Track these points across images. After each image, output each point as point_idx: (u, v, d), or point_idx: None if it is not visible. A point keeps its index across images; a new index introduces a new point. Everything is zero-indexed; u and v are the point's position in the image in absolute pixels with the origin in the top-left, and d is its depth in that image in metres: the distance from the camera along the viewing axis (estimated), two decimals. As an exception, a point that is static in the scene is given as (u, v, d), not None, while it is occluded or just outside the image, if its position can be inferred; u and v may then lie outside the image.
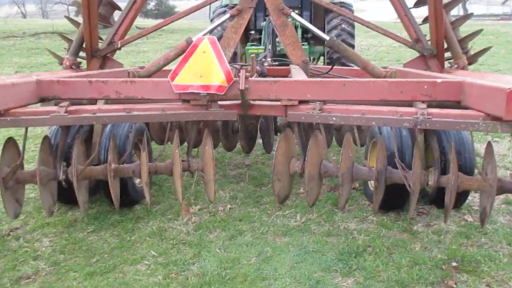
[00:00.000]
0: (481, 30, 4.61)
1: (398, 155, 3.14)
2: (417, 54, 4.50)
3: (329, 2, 6.09)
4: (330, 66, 4.95)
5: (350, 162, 3.13)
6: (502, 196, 3.94)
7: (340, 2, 7.95)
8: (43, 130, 6.21)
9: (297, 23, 6.14)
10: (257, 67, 4.34)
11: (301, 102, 3.12)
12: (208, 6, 7.01)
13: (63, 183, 3.30)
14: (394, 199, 3.59)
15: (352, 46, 7.23)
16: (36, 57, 14.19)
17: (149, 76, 4.35)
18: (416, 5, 4.61)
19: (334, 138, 4.78)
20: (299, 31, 7.14)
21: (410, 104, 3.07)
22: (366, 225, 3.67)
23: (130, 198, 3.89)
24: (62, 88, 3.27)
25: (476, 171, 3.42)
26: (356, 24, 7.59)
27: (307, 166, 3.13)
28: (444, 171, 3.25)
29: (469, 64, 4.39)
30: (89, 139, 3.64)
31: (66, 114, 3.03)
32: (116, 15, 4.92)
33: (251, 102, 3.27)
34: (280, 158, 3.28)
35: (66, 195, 3.61)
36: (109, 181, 3.21)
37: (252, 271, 3.04)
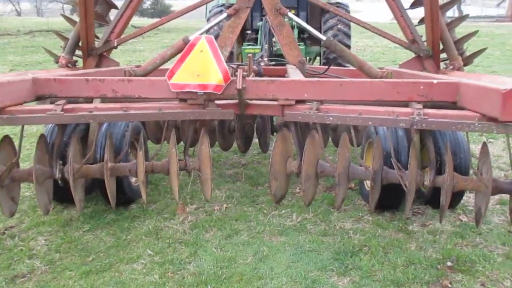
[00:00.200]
0: (476, 32, 4.63)
1: (394, 155, 3.16)
2: (413, 55, 4.52)
3: (325, 2, 6.10)
4: (326, 66, 4.96)
5: (346, 162, 3.14)
6: (496, 197, 3.97)
7: (337, 3, 7.97)
8: (38, 129, 6.19)
9: (293, 23, 6.14)
10: (254, 67, 4.34)
11: (298, 102, 3.13)
12: (204, 6, 6.99)
13: (59, 182, 3.28)
14: (389, 199, 3.61)
15: (348, 47, 7.24)
16: (31, 55, 14.11)
17: (145, 75, 4.34)
18: (412, 6, 4.62)
19: (330, 138, 4.79)
20: (296, 31, 7.14)
21: (406, 104, 3.09)
22: (361, 224, 3.69)
23: (126, 197, 3.89)
24: (58, 86, 3.26)
25: (471, 171, 3.44)
26: (352, 24, 7.62)
27: (304, 165, 3.14)
28: (439, 171, 3.27)
29: (465, 65, 4.41)
30: (85, 137, 3.63)
31: (62, 112, 3.02)
32: (112, 14, 4.91)
33: (248, 101, 3.27)
34: (277, 158, 3.29)
35: (61, 194, 3.60)
36: (106, 179, 3.20)
37: (248, 270, 3.05)
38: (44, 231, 3.61)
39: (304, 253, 3.26)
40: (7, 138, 3.19)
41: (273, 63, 5.10)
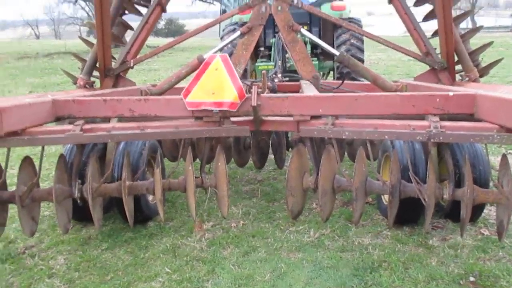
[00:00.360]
0: (491, 43, 4.60)
1: (411, 169, 3.13)
2: (427, 68, 4.50)
3: (337, 18, 6.14)
4: (340, 81, 4.98)
5: (363, 176, 3.12)
6: (518, 209, 3.87)
7: (349, 18, 8.03)
8: (57, 149, 6.29)
9: (306, 39, 6.20)
10: (268, 83, 4.38)
11: (313, 117, 3.13)
12: (218, 24, 7.11)
13: (78, 201, 3.33)
14: (408, 213, 3.56)
15: (362, 61, 7.26)
16: (49, 77, 14.46)
17: (161, 93, 4.42)
18: (426, 19, 4.63)
19: (346, 153, 4.77)
20: (309, 46, 7.20)
21: (422, 117, 3.07)
22: (380, 240, 3.64)
23: (143, 215, 3.91)
24: (77, 107, 3.33)
25: (491, 184, 3.38)
26: (364, 38, 7.65)
27: (320, 180, 3.13)
28: (458, 184, 3.22)
29: (481, 76, 4.38)
30: (102, 156, 3.68)
31: (81, 132, 3.08)
32: (128, 35, 5.02)
33: (263, 118, 3.29)
34: (293, 173, 3.29)
35: (80, 213, 3.64)
36: (124, 198, 3.23)
37: (266, 288, 3.02)
38: (63, 250, 3.64)
39: (322, 270, 3.22)
40: (28, 159, 3.25)
41: (287, 79, 5.13)
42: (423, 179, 3.10)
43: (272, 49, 6.83)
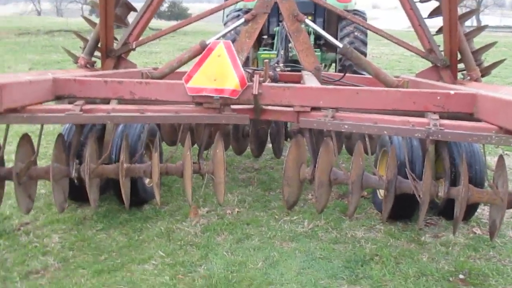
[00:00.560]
0: (495, 43, 4.59)
1: (408, 165, 3.14)
2: (430, 64, 4.49)
3: (342, 9, 6.10)
4: (342, 74, 4.96)
5: (360, 170, 3.13)
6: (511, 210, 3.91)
7: (354, 10, 7.97)
8: (55, 127, 6.28)
9: (310, 29, 6.15)
10: (270, 73, 4.36)
11: (313, 108, 3.13)
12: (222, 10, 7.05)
13: (75, 181, 3.34)
14: (402, 208, 3.58)
15: (365, 54, 7.22)
16: (50, 55, 14.35)
17: (162, 77, 4.39)
18: (431, 15, 4.61)
19: (344, 146, 4.78)
20: (312, 37, 7.15)
21: (421, 114, 3.07)
22: (373, 233, 3.67)
23: (139, 197, 3.93)
24: (78, 86, 3.32)
25: (486, 183, 3.41)
26: (368, 32, 7.60)
27: (317, 172, 3.14)
28: (454, 182, 3.24)
29: (482, 76, 4.37)
30: (101, 138, 3.68)
31: (81, 112, 3.07)
32: (131, 16, 4.98)
33: (264, 107, 3.29)
34: (291, 164, 3.30)
35: (76, 193, 3.65)
36: (121, 180, 3.24)
37: (258, 275, 3.05)
38: (58, 228, 3.66)
39: (314, 260, 3.25)
40: (26, 136, 3.25)
41: (289, 69, 5.12)
42: (419, 176, 3.12)
43: (275, 38, 6.79)
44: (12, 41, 17.34)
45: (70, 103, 3.27)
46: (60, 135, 3.37)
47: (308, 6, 7.42)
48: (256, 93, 3.07)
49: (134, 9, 4.94)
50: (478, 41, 4.47)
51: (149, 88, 3.26)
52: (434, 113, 2.97)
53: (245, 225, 3.77)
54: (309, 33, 6.40)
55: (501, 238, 3.60)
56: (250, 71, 4.19)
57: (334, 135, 3.18)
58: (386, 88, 3.47)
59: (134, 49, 4.70)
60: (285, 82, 4.36)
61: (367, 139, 3.20)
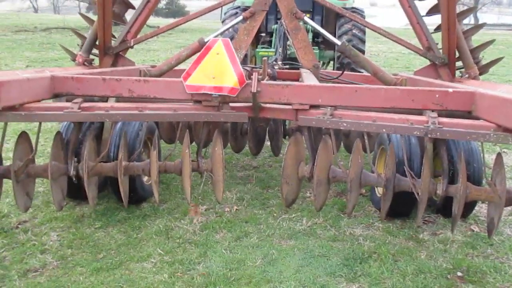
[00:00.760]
0: (493, 41, 4.60)
1: (406, 163, 3.15)
2: (428, 62, 4.50)
3: (341, 7, 6.10)
4: (340, 71, 4.96)
5: (359, 168, 3.14)
6: (509, 208, 3.93)
7: (352, 8, 7.97)
8: (52, 125, 6.27)
9: (308, 27, 6.15)
10: (269, 70, 4.36)
11: (312, 106, 3.13)
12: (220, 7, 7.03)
13: (74, 179, 3.33)
14: (401, 206, 3.59)
15: (363, 52, 7.23)
16: (47, 52, 14.29)
17: (160, 75, 4.39)
18: (429, 13, 4.61)
19: (342, 144, 4.78)
20: (310, 35, 7.15)
21: (420, 112, 3.08)
22: (372, 231, 3.68)
23: (138, 195, 3.92)
24: (76, 84, 3.31)
25: (484, 181, 3.42)
26: (366, 29, 7.60)
27: (316, 170, 3.15)
28: (452, 180, 3.25)
29: (480, 74, 4.38)
30: (99, 135, 3.67)
31: (79, 110, 3.07)
32: (129, 14, 4.96)
33: (262, 105, 3.29)
34: (289, 162, 3.30)
35: (74, 191, 3.65)
36: (119, 178, 3.23)
37: (257, 273, 3.06)
38: (56, 226, 3.65)
39: (313, 258, 3.26)
40: (24, 134, 3.24)
41: (287, 66, 5.11)
42: (418, 174, 3.13)
43: (274, 35, 6.78)
44: (9, 38, 17.25)
45: (68, 101, 3.26)
46: (58, 133, 3.36)
47: (306, 4, 7.41)
48: (255, 91, 3.07)
49: (132, 7, 4.92)
50: (476, 39, 4.47)
51: (147, 86, 3.26)
52: (433, 111, 2.97)
53: (243, 223, 3.78)
54: (307, 31, 6.41)
55: (499, 236, 3.61)
56: (248, 69, 4.19)
57: (332, 133, 3.18)
58: (384, 86, 3.47)
59: (132, 47, 4.69)
60: (284, 80, 4.36)
61: (365, 137, 3.20)
